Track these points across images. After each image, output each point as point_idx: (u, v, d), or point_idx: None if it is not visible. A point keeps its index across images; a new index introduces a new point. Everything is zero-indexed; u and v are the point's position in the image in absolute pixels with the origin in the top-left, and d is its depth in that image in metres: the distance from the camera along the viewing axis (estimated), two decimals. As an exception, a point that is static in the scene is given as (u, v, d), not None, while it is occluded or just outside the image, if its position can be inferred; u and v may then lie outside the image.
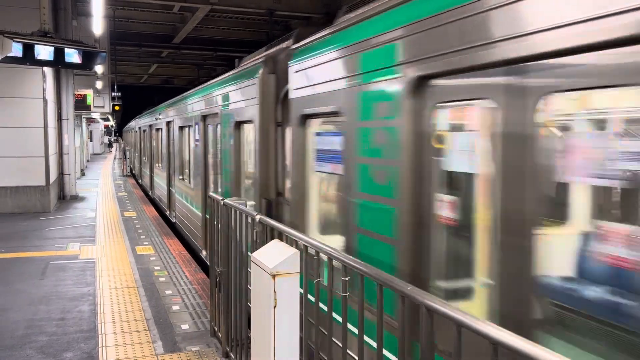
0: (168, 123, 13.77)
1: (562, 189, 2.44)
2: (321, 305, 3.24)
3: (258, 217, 4.00)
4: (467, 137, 2.85)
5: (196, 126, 9.83)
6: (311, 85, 4.53)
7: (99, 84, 21.72)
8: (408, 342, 2.38)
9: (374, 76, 3.48)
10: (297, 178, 4.88)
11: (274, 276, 3.19)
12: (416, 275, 3.02)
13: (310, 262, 3.26)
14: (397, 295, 2.31)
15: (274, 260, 3.27)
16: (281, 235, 3.65)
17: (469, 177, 2.83)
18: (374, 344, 2.55)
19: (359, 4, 4.25)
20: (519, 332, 1.74)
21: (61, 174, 16.64)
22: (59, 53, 9.97)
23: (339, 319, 2.92)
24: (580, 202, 2.41)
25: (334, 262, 2.95)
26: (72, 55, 10.18)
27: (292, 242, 3.48)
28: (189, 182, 10.95)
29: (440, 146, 2.95)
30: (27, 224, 12.09)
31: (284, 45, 5.99)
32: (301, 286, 3.30)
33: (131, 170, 29.94)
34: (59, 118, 16.41)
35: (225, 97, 7.49)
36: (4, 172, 13.59)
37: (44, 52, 9.79)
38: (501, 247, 2.41)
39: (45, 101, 13.94)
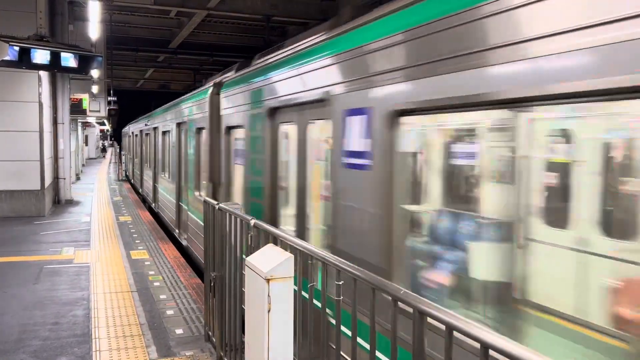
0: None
1: None
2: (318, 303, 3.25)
3: (253, 221, 4.01)
4: None
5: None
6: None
7: (95, 88, 21.69)
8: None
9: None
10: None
11: (268, 280, 3.20)
12: None
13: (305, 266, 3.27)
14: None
15: (268, 264, 3.27)
16: (276, 240, 3.66)
17: None
18: (367, 347, 2.57)
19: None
20: None
21: (56, 178, 16.60)
22: (55, 57, 9.97)
23: (334, 322, 2.93)
24: None
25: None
26: (69, 60, 10.17)
27: (286, 246, 3.48)
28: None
29: None
30: (21, 228, 12.04)
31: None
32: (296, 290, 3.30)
33: (126, 174, 29.90)
34: (55, 122, 16.38)
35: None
36: (-2, 176, 13.56)
37: (40, 56, 9.79)
38: None
39: (40, 105, 13.92)
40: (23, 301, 6.77)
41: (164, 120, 14.38)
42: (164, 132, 14.34)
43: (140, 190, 21.36)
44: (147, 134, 19.58)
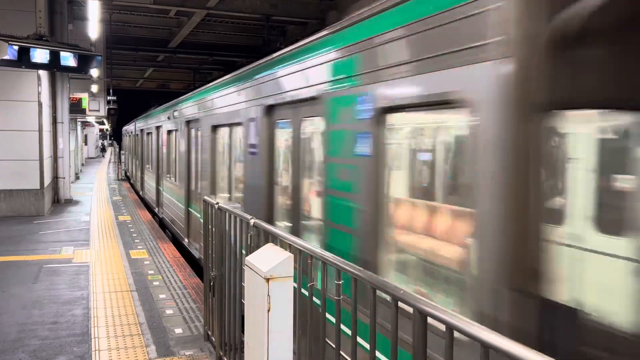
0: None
1: None
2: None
3: (252, 221, 4.00)
4: None
5: None
6: None
7: (94, 88, 21.68)
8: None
9: None
10: None
11: (267, 280, 3.19)
12: None
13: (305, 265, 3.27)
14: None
15: (268, 264, 3.27)
16: (275, 239, 3.65)
17: None
18: (367, 346, 2.56)
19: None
20: None
21: (55, 177, 16.59)
22: (54, 56, 9.97)
23: (334, 321, 2.93)
24: None
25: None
26: (68, 59, 10.17)
27: (286, 246, 3.48)
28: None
29: None
30: (20, 228, 12.03)
31: None
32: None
33: (126, 174, 29.91)
34: (54, 121, 16.37)
35: None
36: (-2, 176, 13.55)
37: (39, 55, 9.79)
38: None
39: (40, 104, 13.91)
40: (22, 300, 6.75)
41: (209, 109, 8.66)
42: (214, 127, 8.48)
43: (151, 204, 16.73)
44: (170, 132, 13.28)
